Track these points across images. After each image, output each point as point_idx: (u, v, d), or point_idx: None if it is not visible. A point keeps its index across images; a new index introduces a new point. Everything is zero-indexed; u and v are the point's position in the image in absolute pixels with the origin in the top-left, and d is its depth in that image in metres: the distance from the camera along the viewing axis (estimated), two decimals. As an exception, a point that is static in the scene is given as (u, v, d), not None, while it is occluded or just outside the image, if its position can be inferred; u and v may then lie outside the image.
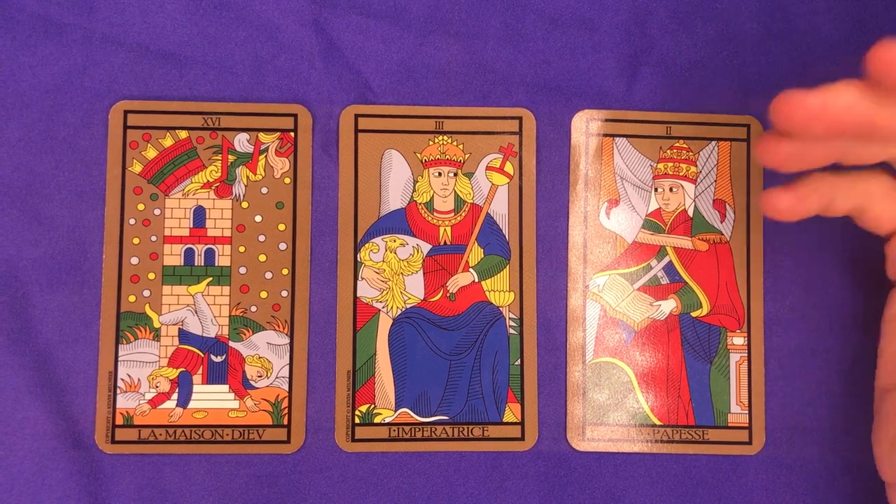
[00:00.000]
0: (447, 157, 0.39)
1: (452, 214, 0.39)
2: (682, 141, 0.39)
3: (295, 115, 0.38)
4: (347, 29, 0.39)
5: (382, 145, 0.39)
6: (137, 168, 0.38)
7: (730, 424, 0.38)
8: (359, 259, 0.38)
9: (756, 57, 0.39)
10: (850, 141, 0.30)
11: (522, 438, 0.38)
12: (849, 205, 0.33)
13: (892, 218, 0.33)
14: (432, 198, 0.39)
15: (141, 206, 0.38)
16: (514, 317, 0.38)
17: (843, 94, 0.28)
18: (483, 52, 0.39)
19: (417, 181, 0.39)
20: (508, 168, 0.39)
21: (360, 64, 0.39)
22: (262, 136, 0.38)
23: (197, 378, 0.37)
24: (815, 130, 0.28)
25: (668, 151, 0.39)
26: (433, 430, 0.38)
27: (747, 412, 0.38)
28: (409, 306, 0.38)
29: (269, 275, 0.38)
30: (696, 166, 0.39)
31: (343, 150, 0.38)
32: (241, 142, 0.38)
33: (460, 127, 0.39)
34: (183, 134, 0.38)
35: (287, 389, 0.37)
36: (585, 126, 0.39)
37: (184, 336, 0.37)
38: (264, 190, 0.38)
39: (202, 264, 0.38)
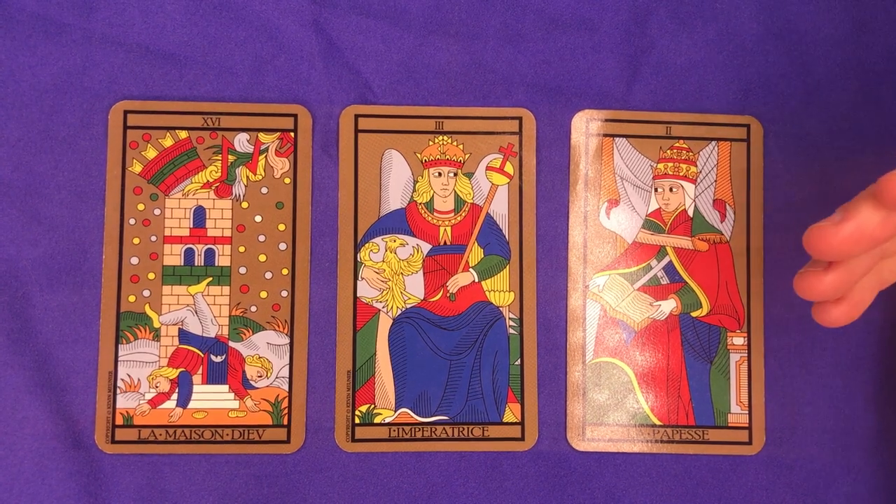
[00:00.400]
0: (447, 157, 0.39)
1: (452, 214, 0.39)
2: (681, 141, 0.39)
3: (295, 116, 0.38)
4: (347, 29, 0.39)
5: (382, 145, 0.39)
6: (137, 168, 0.38)
7: (730, 424, 0.38)
8: (359, 259, 0.38)
9: (756, 57, 0.39)
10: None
11: (522, 438, 0.38)
12: None
13: None
14: (432, 198, 0.39)
15: (141, 206, 0.38)
16: (514, 317, 0.38)
17: (871, 211, 0.27)
18: (483, 52, 0.39)
19: (417, 181, 0.39)
20: (508, 168, 0.39)
21: (360, 64, 0.39)
22: (262, 136, 0.38)
23: (197, 378, 0.37)
24: (857, 251, 0.28)
25: (668, 151, 0.39)
26: (433, 430, 0.38)
27: (747, 412, 0.38)
28: (409, 306, 0.38)
29: (269, 275, 0.38)
30: (696, 166, 0.39)
31: (343, 151, 0.38)
32: (241, 142, 0.38)
33: (460, 127, 0.39)
34: (183, 134, 0.38)
35: (287, 389, 0.37)
36: (585, 126, 0.39)
37: (184, 336, 0.37)
38: (264, 190, 0.38)
39: (202, 264, 0.38)
